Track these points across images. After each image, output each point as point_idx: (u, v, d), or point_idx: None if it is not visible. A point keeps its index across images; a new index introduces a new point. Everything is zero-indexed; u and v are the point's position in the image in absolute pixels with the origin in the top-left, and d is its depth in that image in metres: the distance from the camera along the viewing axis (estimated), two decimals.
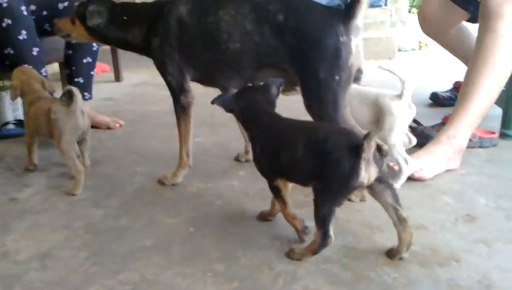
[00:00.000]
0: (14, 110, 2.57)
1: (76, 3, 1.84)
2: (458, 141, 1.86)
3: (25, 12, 2.19)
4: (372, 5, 4.55)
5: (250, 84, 1.57)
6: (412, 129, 2.10)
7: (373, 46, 4.18)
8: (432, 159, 1.80)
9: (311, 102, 1.50)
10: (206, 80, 1.76)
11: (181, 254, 1.34)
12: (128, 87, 3.67)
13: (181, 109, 1.76)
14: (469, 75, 1.90)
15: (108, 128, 2.56)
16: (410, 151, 1.77)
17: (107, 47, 2.86)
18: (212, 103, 1.44)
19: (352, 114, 1.59)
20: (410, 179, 1.72)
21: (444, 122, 2.06)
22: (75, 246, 1.40)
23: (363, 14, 1.48)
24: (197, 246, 1.37)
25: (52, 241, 1.42)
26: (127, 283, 1.21)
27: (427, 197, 1.64)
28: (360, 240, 1.37)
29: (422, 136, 2.02)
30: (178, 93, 1.74)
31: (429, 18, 2.45)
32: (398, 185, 1.66)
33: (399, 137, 1.66)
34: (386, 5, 4.77)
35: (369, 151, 1.13)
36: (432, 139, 1.92)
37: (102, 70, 4.18)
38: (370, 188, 1.21)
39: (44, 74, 2.24)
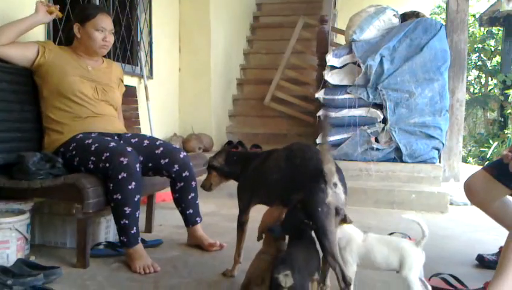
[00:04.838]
0: (106, 233, 2.98)
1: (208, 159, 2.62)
2: None
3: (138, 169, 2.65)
4: (425, 161, 4.82)
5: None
6: None
7: (425, 200, 4.42)
8: None
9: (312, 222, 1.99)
10: (263, 203, 2.38)
11: None
12: None
13: (240, 223, 2.51)
14: (506, 248, 2.06)
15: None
16: None
17: None
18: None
19: (373, 258, 2.09)
20: None
21: (484, 288, 2.23)
22: None
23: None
24: None
25: None
26: None
27: None
28: None
29: None
30: (241, 212, 2.49)
31: (474, 191, 2.68)
32: None
33: (417, 276, 2.05)
34: (439, 162, 5.06)
35: None
36: None
37: None
38: None
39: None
